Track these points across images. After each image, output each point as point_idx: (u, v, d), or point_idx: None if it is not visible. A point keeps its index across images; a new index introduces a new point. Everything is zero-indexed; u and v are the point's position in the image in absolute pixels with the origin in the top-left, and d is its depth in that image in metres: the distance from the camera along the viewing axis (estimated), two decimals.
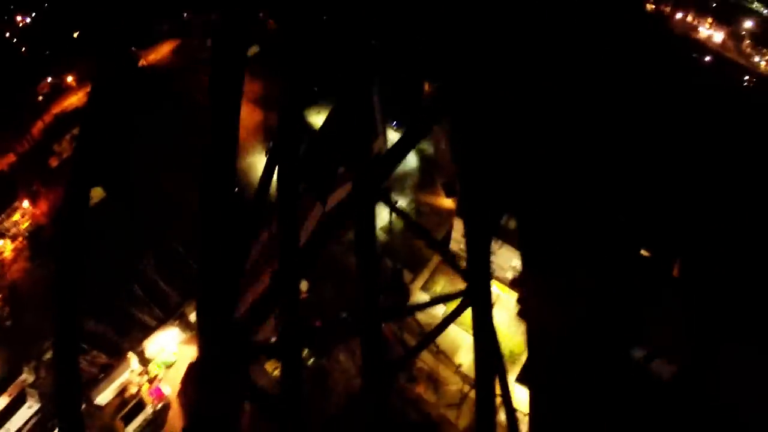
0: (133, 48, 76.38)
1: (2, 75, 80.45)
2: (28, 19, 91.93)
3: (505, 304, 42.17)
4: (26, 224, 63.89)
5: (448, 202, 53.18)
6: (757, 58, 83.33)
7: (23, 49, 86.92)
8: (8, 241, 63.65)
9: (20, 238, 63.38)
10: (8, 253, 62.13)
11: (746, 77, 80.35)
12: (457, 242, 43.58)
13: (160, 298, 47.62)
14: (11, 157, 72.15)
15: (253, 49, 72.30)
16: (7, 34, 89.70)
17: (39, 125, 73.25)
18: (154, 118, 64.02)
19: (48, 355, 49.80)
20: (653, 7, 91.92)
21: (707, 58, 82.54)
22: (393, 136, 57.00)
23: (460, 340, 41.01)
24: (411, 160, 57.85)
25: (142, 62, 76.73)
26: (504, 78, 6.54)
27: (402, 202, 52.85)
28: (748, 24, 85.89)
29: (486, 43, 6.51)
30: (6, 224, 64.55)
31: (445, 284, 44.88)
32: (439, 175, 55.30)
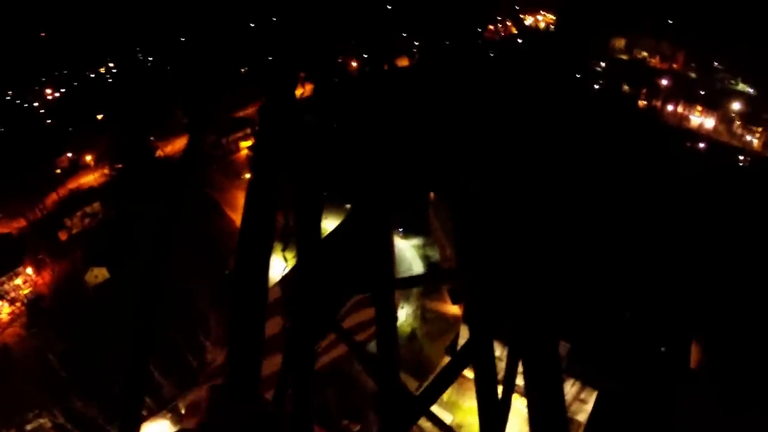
0: (151, 138, 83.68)
1: (25, 143, 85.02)
2: (57, 94, 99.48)
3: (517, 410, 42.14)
4: (27, 290, 66.45)
5: (454, 309, 53.21)
6: (749, 137, 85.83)
7: (48, 121, 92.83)
8: (6, 304, 65.55)
9: (18, 303, 65.57)
10: (4, 316, 64.23)
11: (741, 157, 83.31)
12: None
13: (154, 389, 48.48)
14: (22, 222, 75.40)
15: None
16: (35, 104, 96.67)
17: (53, 197, 77.73)
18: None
19: (30, 426, 50.78)
20: (644, 103, 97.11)
21: (701, 145, 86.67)
22: (399, 243, 58.91)
23: None
24: (416, 266, 59.57)
25: (159, 153, 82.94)
26: (512, 187, 6.43)
27: (407, 309, 53.45)
28: (736, 106, 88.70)
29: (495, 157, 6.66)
30: (6, 287, 66.64)
31: (452, 392, 43.02)
32: (445, 282, 56.40)
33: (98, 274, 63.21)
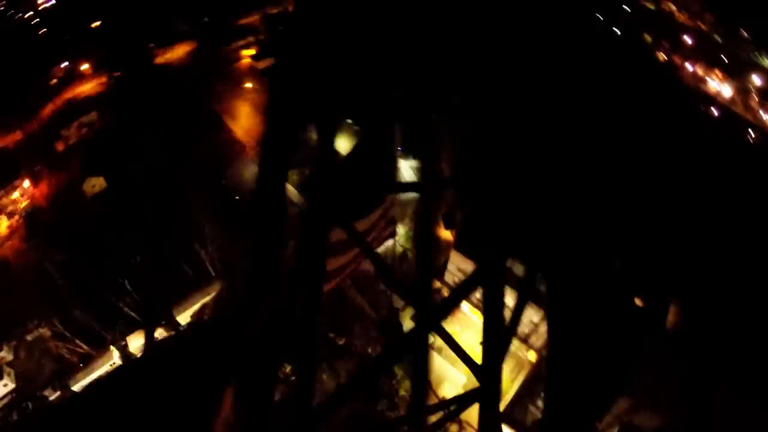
0: (151, 45, 78.83)
1: (19, 54, 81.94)
2: (51, 2, 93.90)
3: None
4: (25, 204, 64.95)
5: (446, 234, 52.78)
6: (764, 115, 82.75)
7: (42, 30, 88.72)
8: (5, 218, 64.47)
9: (17, 217, 64.33)
10: (3, 230, 63.07)
11: (751, 133, 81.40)
12: (452, 274, 44.05)
13: (148, 298, 48.02)
14: (18, 135, 73.21)
15: (269, 61, 73.76)
16: (29, 14, 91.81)
17: (49, 108, 74.41)
18: (162, 115, 65.66)
19: (30, 336, 50.34)
20: (665, 58, 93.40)
21: (715, 112, 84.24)
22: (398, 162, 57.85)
23: (444, 372, 40.71)
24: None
25: (158, 60, 78.02)
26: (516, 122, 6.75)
27: (400, 230, 53.21)
28: (757, 80, 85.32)
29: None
30: (4, 201, 65.49)
31: None
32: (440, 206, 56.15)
33: (96, 183, 60.69)
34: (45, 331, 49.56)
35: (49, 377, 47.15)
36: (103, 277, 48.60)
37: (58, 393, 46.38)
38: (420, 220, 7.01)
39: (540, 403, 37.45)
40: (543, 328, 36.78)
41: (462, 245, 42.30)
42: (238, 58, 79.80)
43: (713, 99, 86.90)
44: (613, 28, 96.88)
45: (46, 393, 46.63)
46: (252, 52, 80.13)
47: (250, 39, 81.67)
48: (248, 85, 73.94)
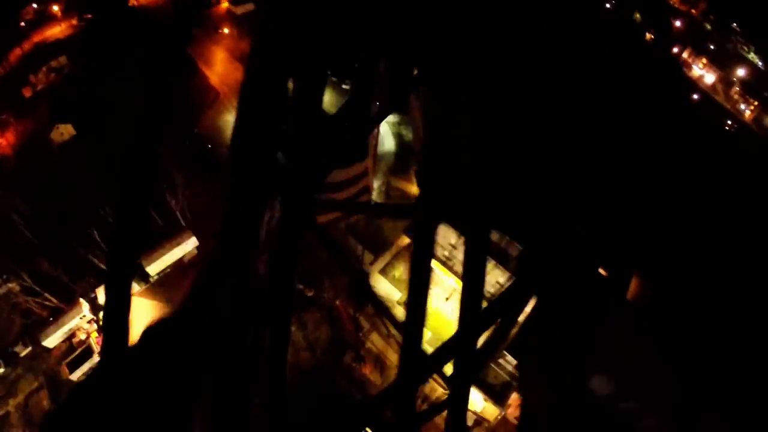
0: None
1: None
2: None
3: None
4: None
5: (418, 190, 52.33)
6: (743, 106, 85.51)
7: None
8: None
9: None
10: None
11: (729, 122, 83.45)
12: (440, 247, 44.09)
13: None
14: None
15: (248, 7, 71.69)
16: None
17: (17, 52, 70.20)
18: (134, 60, 62.68)
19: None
20: (652, 37, 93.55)
21: (695, 96, 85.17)
22: None
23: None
24: (388, 143, 56.81)
25: (132, 2, 74.26)
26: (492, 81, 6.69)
27: (374, 183, 52.00)
28: (741, 72, 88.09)
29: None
30: None
31: (404, 270, 43.67)
32: (414, 162, 54.57)
33: (64, 131, 57.86)
34: (13, 286, 48.00)
35: (19, 332, 45.93)
36: (70, 228, 46.76)
37: (29, 348, 45.66)
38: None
39: (504, 362, 38.03)
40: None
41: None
42: (216, 2, 76.31)
43: (695, 84, 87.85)
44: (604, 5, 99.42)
45: (16, 349, 46.01)
46: None
47: None
48: (225, 30, 71.29)
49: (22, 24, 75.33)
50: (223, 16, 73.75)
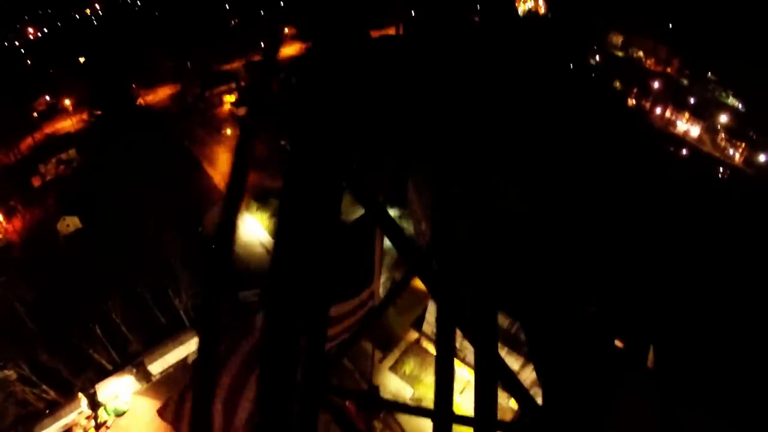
0: (134, 85, 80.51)
1: (2, 82, 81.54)
2: (39, 34, 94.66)
3: None
4: None
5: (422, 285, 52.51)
6: (731, 151, 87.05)
7: (27, 61, 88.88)
8: None
9: None
10: None
11: (721, 169, 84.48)
12: (430, 324, 43.50)
13: (120, 343, 47.55)
14: None
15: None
16: (15, 43, 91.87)
17: (28, 141, 74.80)
18: (142, 157, 66.29)
19: None
20: (633, 102, 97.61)
21: (684, 152, 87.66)
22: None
23: (425, 427, 37.97)
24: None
25: (140, 101, 79.81)
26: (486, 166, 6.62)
27: (380, 280, 51.73)
28: (724, 118, 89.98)
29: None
30: None
31: (414, 365, 44.06)
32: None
33: (70, 223, 60.46)
34: (11, 374, 47.99)
35: (13, 422, 45.88)
36: (73, 321, 47.92)
37: None
38: None
39: None
40: (524, 375, 36.98)
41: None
42: (220, 104, 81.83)
43: (682, 140, 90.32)
44: (585, 75, 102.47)
45: None
46: (233, 98, 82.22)
47: (232, 85, 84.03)
48: (228, 131, 75.61)
49: (35, 114, 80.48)
50: (226, 117, 78.55)
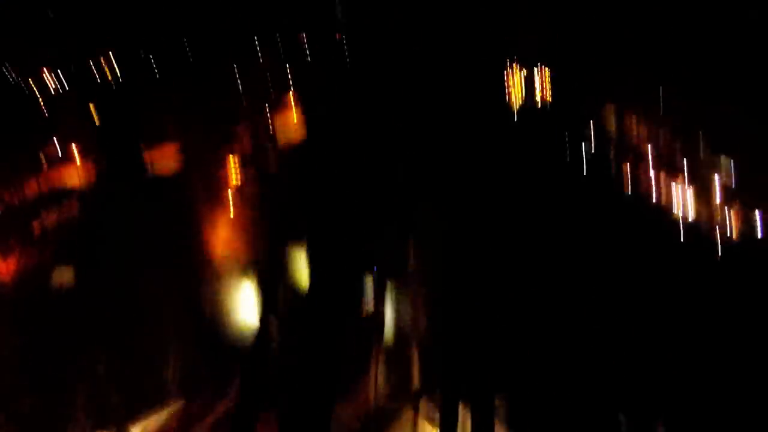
0: (143, 144, 78.71)
1: (15, 124, 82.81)
2: (55, 78, 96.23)
3: None
4: None
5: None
6: (730, 212, 77.77)
7: (43, 106, 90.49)
8: None
9: None
10: None
11: (723, 232, 75.77)
12: None
13: (102, 405, 46.90)
14: None
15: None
16: (33, 88, 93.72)
17: (34, 186, 74.96)
18: (144, 216, 65.60)
19: None
20: (627, 171, 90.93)
21: (681, 218, 79.28)
22: None
23: None
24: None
25: (147, 159, 77.52)
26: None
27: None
28: (718, 178, 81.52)
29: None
30: None
31: None
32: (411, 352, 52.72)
33: (65, 275, 61.00)
34: None
35: None
36: (56, 381, 47.77)
37: None
38: None
39: None
40: None
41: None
42: (227, 169, 79.09)
43: (681, 204, 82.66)
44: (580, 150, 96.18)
45: None
46: (239, 164, 79.34)
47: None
48: (231, 196, 72.31)
49: (43, 160, 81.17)
50: (231, 184, 75.95)
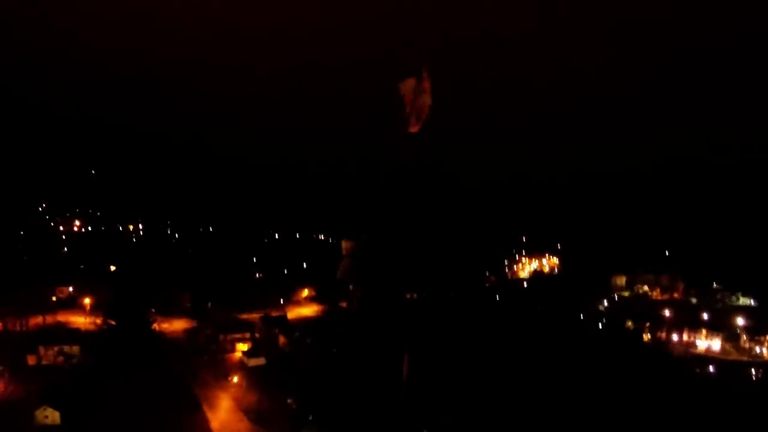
0: (153, 309, 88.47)
1: (36, 261, 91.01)
2: (83, 229, 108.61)
3: None
4: None
5: None
6: (757, 349, 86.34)
7: (64, 248, 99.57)
8: None
9: None
10: None
11: (753, 371, 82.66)
12: None
13: None
14: None
15: (260, 360, 80.00)
16: (61, 229, 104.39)
17: (38, 320, 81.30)
18: (142, 380, 68.60)
19: None
20: (648, 337, 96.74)
21: (711, 368, 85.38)
22: None
23: None
24: None
25: (155, 326, 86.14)
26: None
27: None
28: (740, 321, 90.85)
29: None
30: None
31: None
32: None
33: (50, 415, 61.73)
34: None
35: None
36: None
37: None
38: None
39: None
40: None
41: None
42: (232, 350, 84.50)
43: (706, 357, 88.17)
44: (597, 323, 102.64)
45: None
46: (245, 347, 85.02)
47: (246, 334, 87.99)
48: (235, 379, 75.91)
49: (54, 299, 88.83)
50: (235, 365, 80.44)
